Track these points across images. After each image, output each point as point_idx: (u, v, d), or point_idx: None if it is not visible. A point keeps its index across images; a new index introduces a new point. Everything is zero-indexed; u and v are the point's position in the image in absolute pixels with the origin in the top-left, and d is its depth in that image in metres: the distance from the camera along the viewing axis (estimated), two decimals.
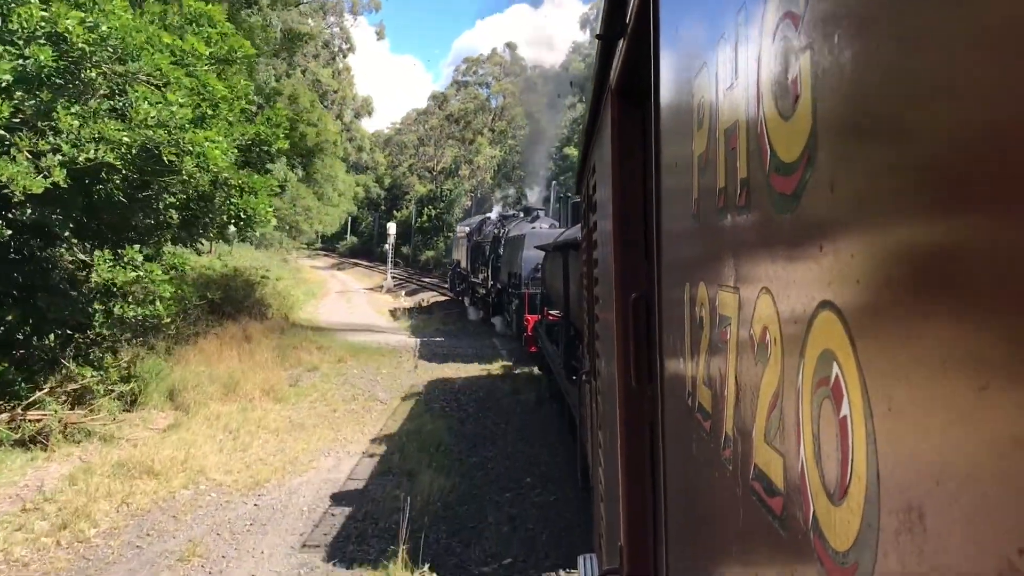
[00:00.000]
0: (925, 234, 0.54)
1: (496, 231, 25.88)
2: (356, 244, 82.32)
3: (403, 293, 39.37)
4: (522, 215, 25.36)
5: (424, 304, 34.77)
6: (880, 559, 0.58)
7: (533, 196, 40.84)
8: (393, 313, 30.97)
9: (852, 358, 0.64)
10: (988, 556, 0.44)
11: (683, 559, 1.60)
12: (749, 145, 0.98)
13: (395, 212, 73.22)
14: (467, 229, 33.62)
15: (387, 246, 49.55)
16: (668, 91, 1.69)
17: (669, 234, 1.74)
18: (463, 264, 33.38)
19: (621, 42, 2.54)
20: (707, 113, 1.26)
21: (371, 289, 44.73)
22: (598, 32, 2.83)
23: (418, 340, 23.32)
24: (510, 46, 73.31)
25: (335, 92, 48.22)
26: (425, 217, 64.38)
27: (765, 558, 0.93)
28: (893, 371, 0.57)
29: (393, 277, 48.63)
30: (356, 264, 67.22)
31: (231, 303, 22.83)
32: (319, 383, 16.27)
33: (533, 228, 21.18)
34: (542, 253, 16.06)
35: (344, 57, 54.60)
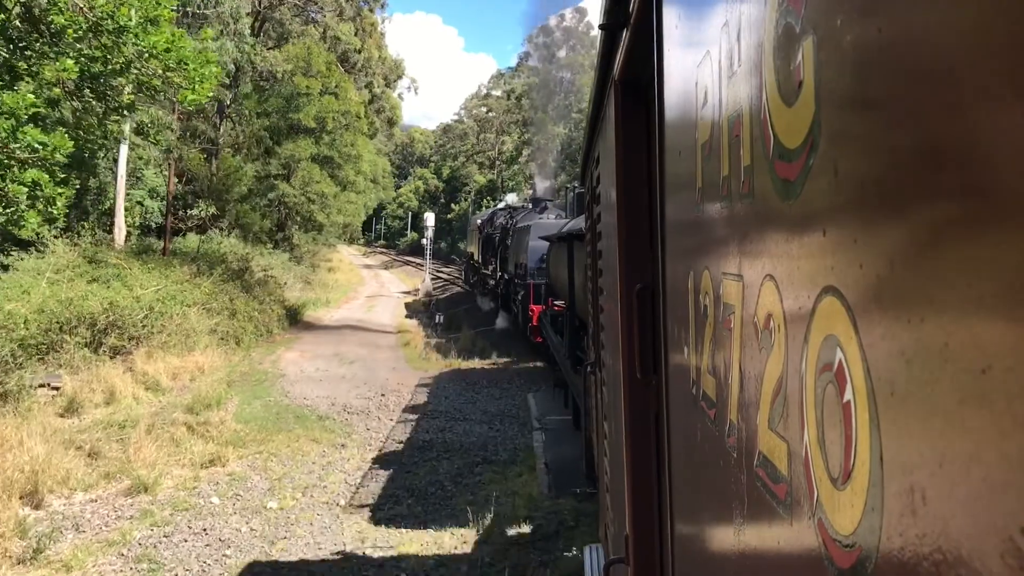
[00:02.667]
0: (927, 218, 0.54)
1: (505, 222, 25.85)
2: (416, 241, 77.29)
3: (437, 298, 33.63)
4: (531, 206, 25.30)
5: (456, 317, 27.45)
6: (884, 542, 0.59)
7: (543, 187, 40.42)
8: (409, 322, 26.57)
9: (855, 343, 0.64)
10: (990, 536, 0.44)
11: (689, 548, 1.61)
12: (752, 132, 0.98)
13: (453, 205, 69.43)
14: (479, 221, 33.35)
15: (424, 241, 41.57)
16: (671, 80, 1.68)
17: (673, 223, 1.74)
18: (476, 256, 33.19)
19: (624, 32, 2.53)
20: (710, 101, 1.26)
21: (408, 292, 39.47)
22: (600, 22, 2.82)
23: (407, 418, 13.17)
24: (579, 11, 61.14)
25: (357, 52, 39.04)
26: (483, 209, 58.26)
27: (770, 544, 0.94)
28: (896, 355, 0.57)
29: (441, 278, 42.33)
30: (408, 263, 63.27)
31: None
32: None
33: (540, 219, 21.16)
34: (547, 244, 16.07)
35: (372, 11, 42.74)
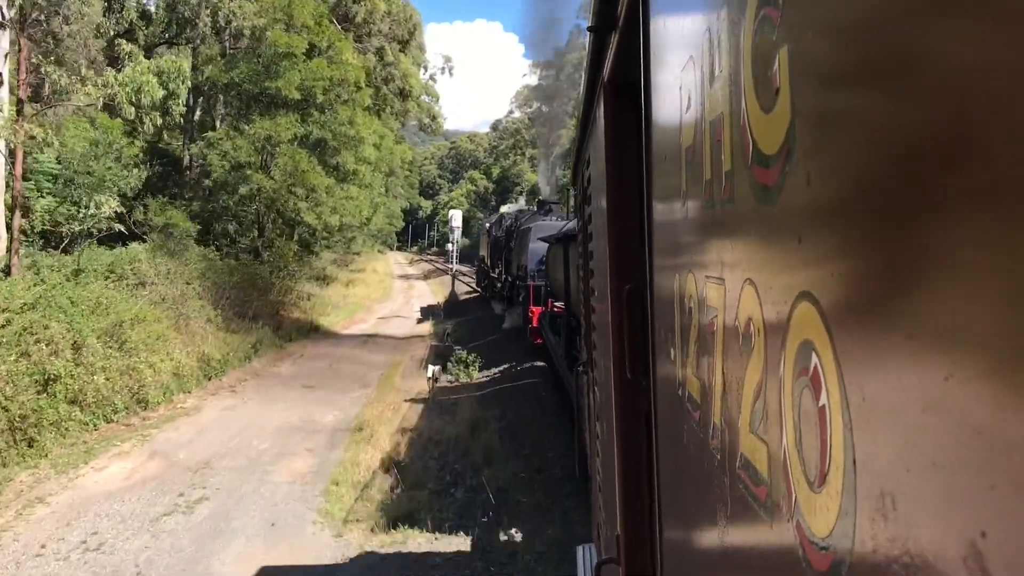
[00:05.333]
0: (896, 227, 0.55)
1: (510, 225, 25.75)
2: (467, 246, 70.38)
3: (449, 331, 23.98)
4: (535, 208, 25.18)
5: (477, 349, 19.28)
6: (857, 545, 0.60)
7: (547, 190, 39.73)
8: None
9: (829, 349, 0.65)
10: (954, 540, 0.45)
11: (678, 549, 1.62)
12: (733, 138, 0.99)
13: (503, 207, 63.79)
14: (487, 224, 32.40)
15: (450, 245, 33.63)
16: (658, 83, 1.69)
17: (660, 226, 1.75)
18: (486, 259, 32.68)
19: (613, 35, 2.54)
20: (694, 105, 1.27)
21: (434, 307, 31.57)
22: (590, 24, 2.83)
23: None
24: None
25: (356, 2, 31.49)
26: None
27: (752, 546, 0.95)
28: (867, 362, 0.58)
29: (477, 291, 33.85)
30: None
31: None
32: None
33: (541, 221, 21.11)
34: (547, 246, 16.09)
35: None
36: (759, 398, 0.89)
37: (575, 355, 10.29)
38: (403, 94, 37.37)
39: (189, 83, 24.91)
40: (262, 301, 22.77)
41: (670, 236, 1.62)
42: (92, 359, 12.17)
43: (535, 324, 17.43)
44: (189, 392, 14.81)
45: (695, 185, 1.26)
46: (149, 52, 26.39)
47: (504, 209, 32.33)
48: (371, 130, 29.29)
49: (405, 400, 14.91)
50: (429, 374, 16.47)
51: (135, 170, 19.49)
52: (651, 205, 1.85)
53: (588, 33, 3.02)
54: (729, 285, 1.03)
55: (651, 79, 1.76)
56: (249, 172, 24.19)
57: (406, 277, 53.93)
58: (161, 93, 22.12)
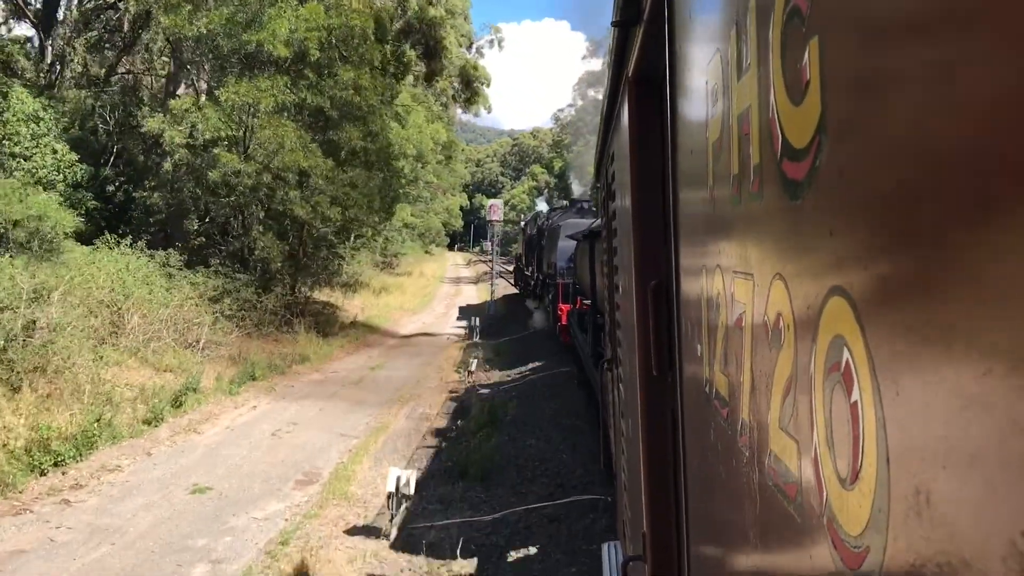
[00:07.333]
0: (929, 220, 0.54)
1: (542, 223, 25.60)
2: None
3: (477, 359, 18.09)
4: (568, 205, 25.05)
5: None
6: (890, 543, 0.59)
7: (580, 188, 39.35)
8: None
9: (862, 344, 0.64)
10: (993, 539, 0.44)
11: (704, 546, 1.61)
12: (761, 131, 0.98)
13: (564, 201, 61.83)
14: (523, 223, 32.80)
15: (487, 243, 28.36)
16: (683, 77, 1.68)
17: (686, 221, 1.73)
18: (522, 258, 32.58)
19: (637, 29, 2.53)
20: (721, 99, 1.26)
21: (469, 323, 24.52)
22: (614, 19, 2.82)
23: None
24: None
25: None
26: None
27: (782, 544, 0.94)
28: (901, 357, 0.57)
29: (515, 291, 28.47)
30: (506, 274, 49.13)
31: None
32: None
33: (571, 219, 20.96)
34: (575, 243, 16.03)
35: None
36: (789, 394, 0.88)
37: (601, 352, 10.27)
38: (428, 54, 26.81)
39: None
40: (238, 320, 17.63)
41: (696, 231, 1.61)
42: None
43: (563, 322, 17.38)
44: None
45: (722, 180, 1.25)
46: None
47: (539, 207, 32.13)
48: (379, 95, 21.85)
49: None
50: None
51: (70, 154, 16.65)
52: (676, 200, 1.84)
53: (612, 28, 3.00)
54: (758, 280, 1.02)
55: (676, 72, 1.74)
56: (217, 151, 18.26)
57: (456, 280, 48.98)
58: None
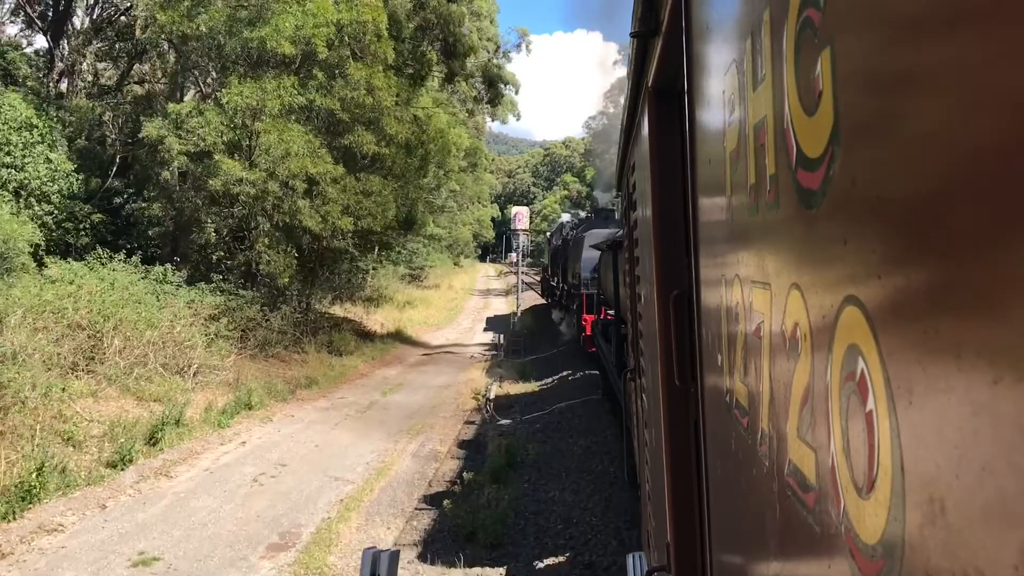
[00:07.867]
0: (942, 230, 0.54)
1: (567, 234, 25.54)
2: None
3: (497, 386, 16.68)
4: (593, 216, 24.98)
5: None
6: (907, 552, 0.59)
7: (604, 199, 39.41)
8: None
9: (876, 353, 0.65)
10: (1006, 548, 0.44)
11: (726, 556, 1.60)
12: (776, 141, 0.99)
13: None
14: (548, 234, 32.98)
15: (513, 254, 26.28)
16: (701, 88, 1.69)
17: (706, 231, 1.74)
18: (548, 269, 32.69)
19: (656, 40, 2.54)
20: (737, 110, 1.26)
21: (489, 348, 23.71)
22: (632, 30, 2.83)
23: None
24: None
25: None
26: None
27: (801, 553, 0.94)
28: (914, 366, 0.58)
29: (543, 301, 27.04)
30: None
31: None
32: None
33: (595, 229, 20.84)
34: (599, 253, 16.02)
35: None
36: (806, 404, 0.88)
37: (625, 362, 10.22)
38: (447, 51, 24.96)
39: None
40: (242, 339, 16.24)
41: (715, 241, 1.61)
42: None
43: (587, 332, 17.37)
44: None
45: (739, 189, 1.25)
46: None
47: (564, 218, 32.05)
48: (394, 95, 19.73)
49: None
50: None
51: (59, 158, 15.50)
52: (696, 210, 1.84)
53: (631, 39, 3.01)
54: (775, 290, 1.02)
55: (694, 83, 1.75)
56: (217, 157, 16.94)
57: (486, 292, 47.08)
58: None
